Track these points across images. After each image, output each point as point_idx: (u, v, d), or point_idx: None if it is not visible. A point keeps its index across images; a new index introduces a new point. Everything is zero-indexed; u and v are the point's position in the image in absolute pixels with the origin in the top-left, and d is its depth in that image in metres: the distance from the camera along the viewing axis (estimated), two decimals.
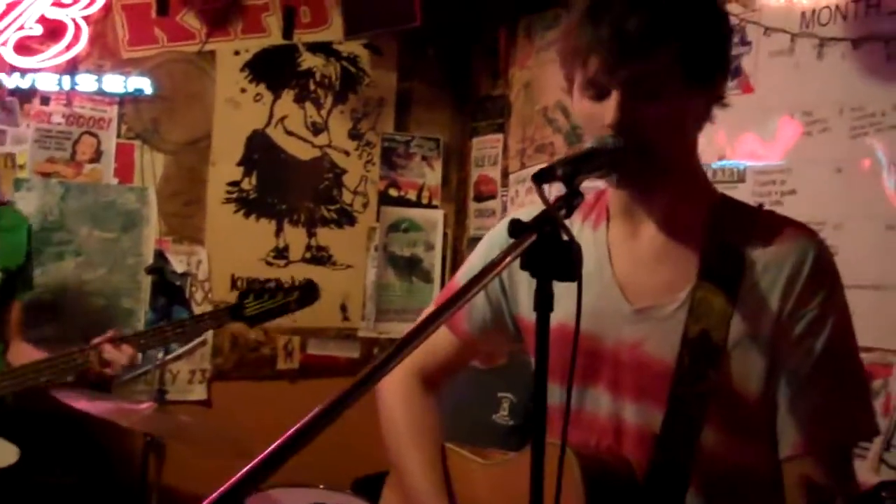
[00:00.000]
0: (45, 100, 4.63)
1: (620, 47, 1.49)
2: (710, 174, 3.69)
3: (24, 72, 4.52)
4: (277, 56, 5.10)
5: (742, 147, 3.74)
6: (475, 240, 5.32)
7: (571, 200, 1.42)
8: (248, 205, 5.10)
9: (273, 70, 5.09)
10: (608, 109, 1.52)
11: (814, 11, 3.57)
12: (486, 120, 5.29)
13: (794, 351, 1.55)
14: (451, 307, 1.27)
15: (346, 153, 5.28)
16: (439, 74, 5.38)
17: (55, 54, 4.57)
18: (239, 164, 5.06)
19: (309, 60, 5.17)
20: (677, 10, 1.52)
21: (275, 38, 5.07)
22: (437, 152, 5.44)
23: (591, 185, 1.61)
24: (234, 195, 5.07)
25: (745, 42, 3.76)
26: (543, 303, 1.31)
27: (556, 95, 4.67)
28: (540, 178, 1.44)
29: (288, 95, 5.14)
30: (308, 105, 5.19)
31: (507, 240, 1.86)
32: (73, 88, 4.63)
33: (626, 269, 1.67)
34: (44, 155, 4.66)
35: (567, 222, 1.69)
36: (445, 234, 5.47)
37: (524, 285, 1.79)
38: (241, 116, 5.04)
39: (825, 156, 3.52)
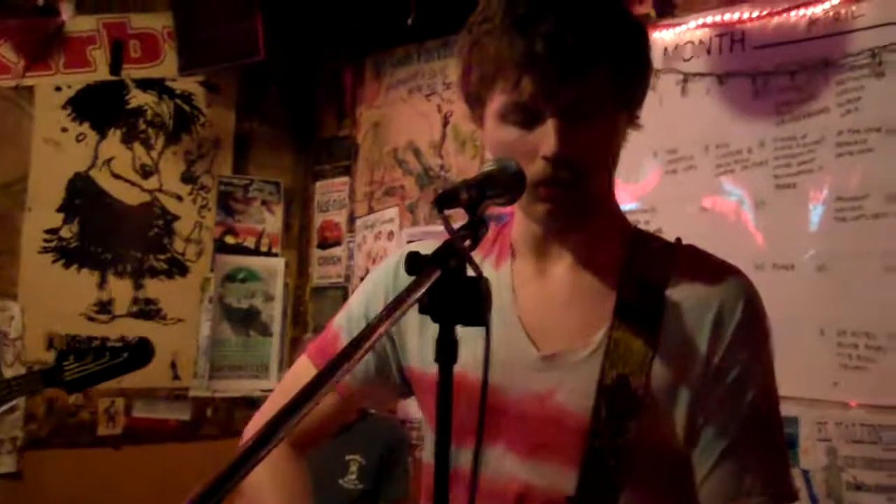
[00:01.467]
0: None
1: (560, 65, 1.34)
2: None
3: None
4: (104, 93, 4.77)
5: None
6: (319, 289, 5.05)
7: (476, 230, 1.25)
8: (69, 254, 4.72)
9: (99, 108, 4.76)
10: (544, 137, 1.38)
11: (677, 47, 3.53)
12: (331, 162, 5.13)
13: (721, 404, 1.43)
14: (342, 363, 1.04)
15: (179, 198, 4.97)
16: (281, 114, 5.15)
17: None
18: (59, 209, 4.70)
19: (139, 98, 4.86)
20: (608, 26, 1.39)
21: (101, 73, 4.75)
22: (277, 196, 5.20)
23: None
24: (53, 244, 4.68)
25: None
26: (447, 352, 1.15)
27: (407, 136, 4.51)
28: (442, 203, 1.24)
29: (115, 135, 4.81)
30: (137, 146, 4.87)
31: (394, 279, 1.59)
32: None
33: (533, 311, 1.53)
34: None
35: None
36: (286, 284, 5.20)
37: (413, 331, 1.62)
38: (61, 158, 4.69)
39: (690, 194, 3.49)
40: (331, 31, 4.87)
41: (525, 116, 1.39)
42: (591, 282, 1.50)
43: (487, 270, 1.57)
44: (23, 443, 4.53)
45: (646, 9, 3.56)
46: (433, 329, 1.21)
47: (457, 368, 1.21)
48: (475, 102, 1.47)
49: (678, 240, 1.57)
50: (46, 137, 4.64)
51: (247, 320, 5.15)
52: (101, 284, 4.79)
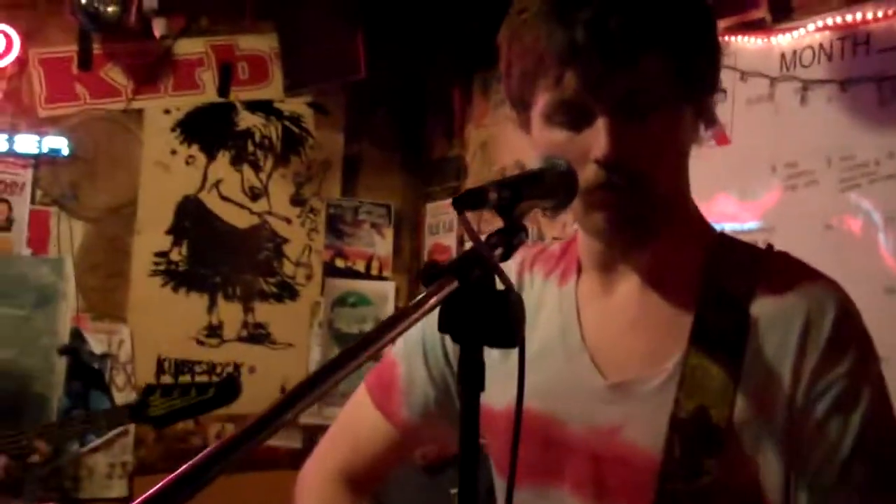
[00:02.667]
0: None
1: (605, 55, 1.18)
2: None
3: None
4: (212, 115, 4.78)
5: (718, 207, 3.44)
6: None
7: (511, 237, 1.10)
8: (178, 278, 4.72)
9: (207, 130, 4.77)
10: (595, 138, 1.22)
11: (795, 52, 3.33)
12: (440, 184, 5.01)
13: (816, 440, 1.22)
14: (315, 388, 0.91)
15: (288, 221, 4.92)
16: (390, 135, 5.07)
17: None
18: (168, 232, 4.70)
19: (247, 120, 4.85)
20: (660, 6, 1.23)
21: (209, 95, 4.75)
22: (387, 219, 5.10)
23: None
24: (162, 267, 4.69)
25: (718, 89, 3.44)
26: (471, 377, 1.01)
27: (516, 154, 4.38)
28: (464, 204, 1.09)
29: (224, 157, 4.81)
30: (246, 168, 4.85)
31: None
32: None
33: (599, 334, 1.37)
34: None
35: (517, 274, 1.43)
36: (397, 308, 5.07)
37: None
38: (170, 180, 4.70)
39: (813, 212, 3.27)
40: (439, 50, 4.78)
41: (572, 116, 1.23)
42: (663, 299, 1.32)
43: (550, 289, 1.42)
44: (133, 468, 4.53)
45: (760, 13, 3.35)
46: (502, 356, 1.12)
47: (513, 401, 1.12)
48: (520, 105, 1.31)
49: (769, 246, 1.38)
50: (156, 160, 4.67)
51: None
52: (211, 308, 4.78)
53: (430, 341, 1.47)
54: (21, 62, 4.34)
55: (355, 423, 1.58)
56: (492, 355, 0.99)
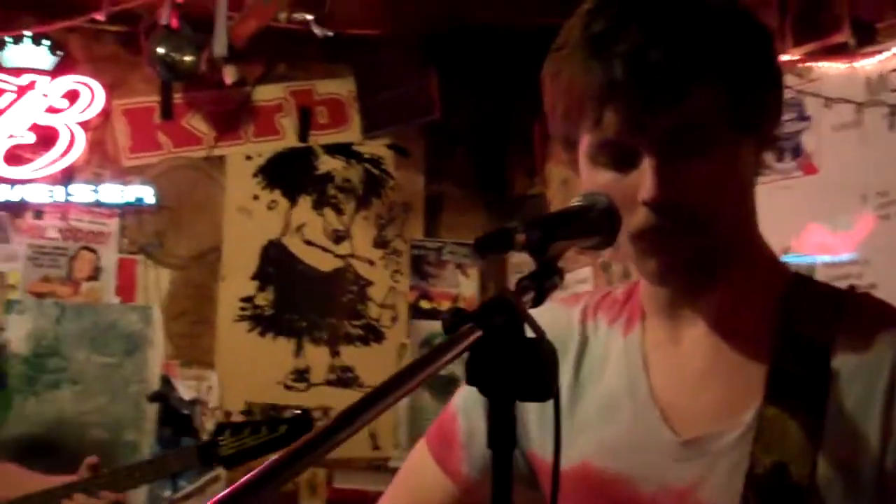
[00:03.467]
0: (39, 213, 4.34)
1: (646, 91, 1.10)
2: None
3: (14, 183, 4.24)
4: (293, 160, 4.81)
5: (809, 238, 3.31)
6: None
7: (544, 280, 1.04)
8: (264, 322, 4.74)
9: (289, 175, 4.80)
10: (642, 179, 1.14)
11: (881, 76, 3.21)
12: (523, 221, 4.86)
13: None
14: (314, 448, 0.84)
15: (372, 263, 4.91)
16: (471, 174, 5.03)
17: (48, 163, 4.28)
18: (252, 277, 4.73)
19: (328, 163, 4.86)
20: (709, 34, 1.14)
21: (290, 140, 4.78)
22: (471, 259, 5.01)
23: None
24: (248, 312, 4.71)
25: (803, 117, 3.39)
26: (501, 434, 0.95)
27: None
28: (486, 246, 1.05)
29: (305, 202, 4.82)
30: (328, 211, 4.86)
31: None
32: (68, 200, 4.31)
33: (667, 386, 1.26)
34: (37, 273, 4.38)
35: (579, 322, 1.35)
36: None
37: (534, 408, 1.35)
38: (254, 226, 4.73)
39: None
40: (516, 86, 4.72)
41: (616, 156, 1.15)
42: (735, 346, 1.22)
43: (614, 338, 1.32)
44: None
45: (843, 37, 3.23)
46: (568, 409, 1.11)
47: (581, 455, 1.11)
48: (567, 144, 1.23)
49: (851, 287, 1.28)
50: (238, 206, 4.71)
51: (446, 387, 4.98)
52: (298, 352, 4.78)
53: None
54: (105, 113, 4.43)
55: (415, 477, 1.51)
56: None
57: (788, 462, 1.13)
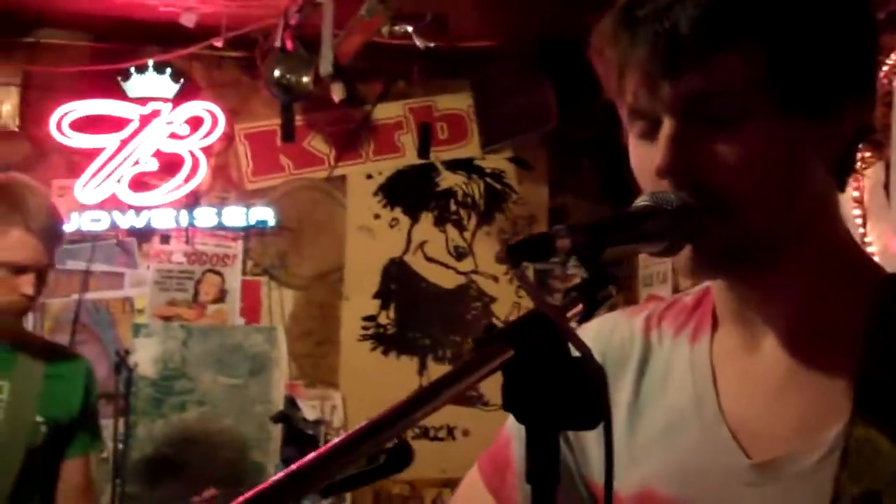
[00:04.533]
0: (165, 238, 4.43)
1: (666, 51, 0.99)
2: None
3: (140, 209, 4.32)
4: (414, 177, 4.78)
5: None
6: None
7: (595, 291, 0.95)
8: (387, 341, 4.71)
9: (409, 192, 4.77)
10: (658, 147, 1.02)
11: None
12: None
13: None
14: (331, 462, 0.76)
15: (495, 279, 4.83)
16: (594, 185, 4.89)
17: (173, 189, 4.35)
18: (375, 296, 4.71)
19: (448, 179, 4.82)
20: None
21: (410, 157, 4.75)
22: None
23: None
24: (371, 331, 4.70)
25: None
26: (541, 466, 0.86)
27: None
28: (521, 253, 0.96)
29: (427, 219, 4.79)
30: (450, 228, 4.81)
31: None
32: (192, 224, 4.37)
33: (739, 401, 1.12)
34: (164, 297, 4.45)
35: (642, 332, 1.22)
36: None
37: (594, 433, 1.23)
38: (375, 244, 4.71)
39: None
40: None
41: (645, 126, 1.05)
42: (817, 355, 1.08)
43: (681, 349, 1.18)
44: None
45: None
46: (627, 431, 1.03)
47: (643, 481, 1.05)
48: (621, 119, 1.13)
49: None
50: (360, 225, 4.69)
51: None
52: (421, 371, 4.74)
53: None
54: (228, 138, 4.48)
55: None
56: (616, 431, 0.88)
57: (881, 491, 1.00)
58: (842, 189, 1.09)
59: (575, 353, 0.88)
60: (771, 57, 0.98)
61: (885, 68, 3.13)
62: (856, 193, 3.13)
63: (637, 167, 1.08)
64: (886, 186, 3.06)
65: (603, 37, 1.05)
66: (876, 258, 3.13)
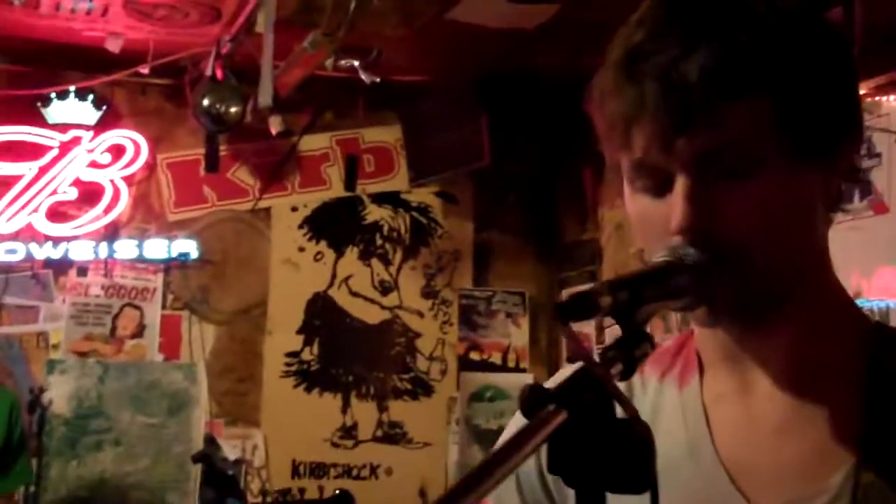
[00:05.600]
0: (83, 270, 4.28)
1: (679, 105, 0.97)
2: None
3: (57, 240, 4.16)
4: (339, 210, 4.74)
5: (880, 282, 3.15)
6: None
7: (633, 348, 0.91)
8: (310, 378, 4.64)
9: (335, 226, 4.73)
10: (673, 205, 1.01)
11: None
12: (575, 269, 4.83)
13: None
14: None
15: (420, 314, 4.80)
16: (521, 221, 4.93)
17: (92, 219, 4.21)
18: (299, 331, 4.65)
19: (375, 213, 4.79)
20: (759, 36, 1.00)
21: (336, 190, 4.71)
22: (522, 308, 4.94)
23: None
24: (294, 367, 4.62)
25: (873, 154, 3.21)
26: None
27: None
28: (569, 312, 0.90)
29: (352, 252, 4.75)
30: (375, 262, 4.78)
31: None
32: (111, 256, 4.25)
33: (736, 444, 1.10)
34: (80, 332, 4.31)
35: (628, 383, 1.18)
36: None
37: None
38: (299, 278, 4.65)
39: None
40: (566, 132, 4.63)
41: (652, 180, 1.02)
42: (816, 397, 1.06)
43: (669, 393, 1.16)
44: None
45: None
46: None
47: None
48: (615, 170, 1.10)
49: None
50: (284, 258, 4.63)
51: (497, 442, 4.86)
52: (344, 408, 4.68)
53: (523, 466, 1.24)
54: (149, 167, 4.37)
55: None
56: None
57: None
58: (828, 226, 1.10)
59: (621, 414, 0.84)
60: (777, 105, 0.98)
61: None
62: None
63: (642, 221, 1.06)
64: None
65: (604, 90, 1.03)
66: None
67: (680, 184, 1.00)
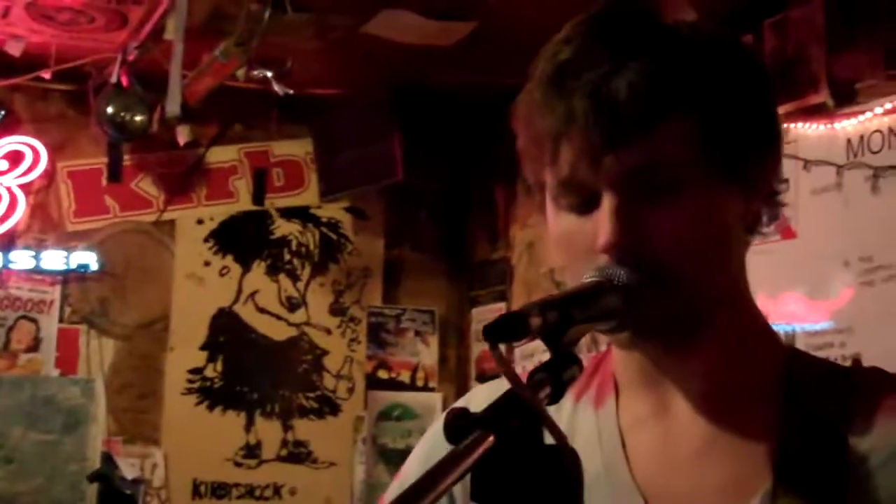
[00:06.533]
0: None
1: (607, 122, 0.97)
2: None
3: None
4: (247, 224, 4.66)
5: (787, 306, 3.20)
6: None
7: (562, 371, 0.89)
8: (213, 395, 4.55)
9: (242, 239, 4.65)
10: (600, 223, 1.00)
11: (862, 138, 3.15)
12: (486, 288, 4.83)
13: None
14: None
15: (328, 331, 4.75)
16: (432, 239, 4.92)
17: None
18: (202, 347, 4.55)
19: (283, 227, 4.72)
20: (687, 56, 1.01)
21: (244, 203, 4.64)
22: (432, 326, 4.92)
23: None
24: (197, 385, 4.53)
25: (780, 179, 3.23)
26: None
27: None
28: (498, 334, 0.88)
29: (259, 267, 4.67)
30: (283, 278, 4.71)
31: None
32: (6, 266, 4.10)
33: (653, 468, 1.09)
34: None
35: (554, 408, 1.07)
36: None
37: None
38: (204, 293, 4.56)
39: (894, 309, 3.01)
40: (479, 148, 4.62)
41: (579, 198, 1.01)
42: (733, 421, 1.06)
43: (584, 415, 1.14)
44: None
45: (821, 97, 3.16)
46: None
47: None
48: (538, 188, 1.09)
49: (856, 362, 1.15)
50: (188, 273, 4.54)
51: (404, 461, 4.80)
52: (248, 427, 4.60)
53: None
54: (49, 175, 4.24)
55: None
56: None
57: None
58: (746, 247, 1.10)
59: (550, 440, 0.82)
60: (701, 124, 0.98)
61: None
62: None
63: (566, 240, 1.04)
64: None
65: (531, 106, 1.02)
66: None
67: (607, 201, 0.99)
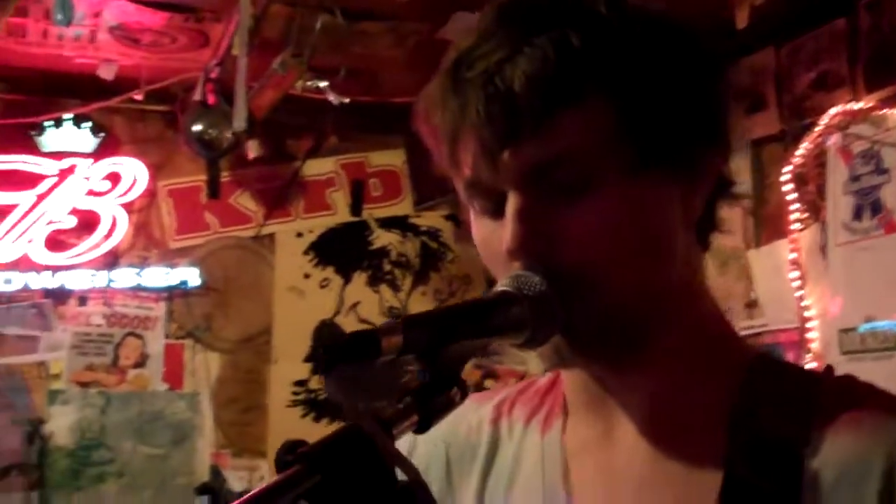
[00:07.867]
0: (83, 300, 4.22)
1: (501, 114, 0.89)
2: (856, 340, 2.97)
3: (56, 269, 4.12)
4: (346, 235, 4.65)
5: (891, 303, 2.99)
6: None
7: (434, 396, 0.84)
8: (319, 407, 4.55)
9: (341, 251, 4.64)
10: (504, 226, 0.93)
11: None
12: None
13: None
14: None
15: None
16: None
17: (90, 248, 4.16)
18: (305, 360, 4.54)
19: (382, 238, 4.70)
20: (602, 39, 0.90)
21: (342, 215, 4.63)
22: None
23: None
24: (301, 396, 4.53)
25: (881, 170, 3.06)
26: None
27: None
28: (340, 355, 0.86)
29: (360, 278, 4.66)
30: (384, 288, 4.69)
31: None
32: (111, 285, 4.18)
33: (596, 496, 1.01)
34: (82, 362, 4.25)
35: (491, 422, 1.10)
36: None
37: None
38: (305, 306, 4.56)
39: None
40: None
41: (488, 201, 0.94)
42: (677, 448, 0.96)
43: (531, 438, 1.06)
44: None
45: None
46: None
47: None
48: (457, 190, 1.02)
49: (828, 369, 1.02)
50: (289, 286, 4.55)
51: None
52: None
53: None
54: (150, 194, 4.31)
55: None
56: None
57: None
58: (705, 248, 1.00)
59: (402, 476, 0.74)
60: (619, 111, 0.89)
61: (818, 128, 3.06)
62: (793, 255, 3.03)
63: (484, 246, 0.97)
64: (823, 248, 2.97)
65: (430, 102, 0.95)
66: (815, 322, 3.02)
67: (510, 202, 0.90)
